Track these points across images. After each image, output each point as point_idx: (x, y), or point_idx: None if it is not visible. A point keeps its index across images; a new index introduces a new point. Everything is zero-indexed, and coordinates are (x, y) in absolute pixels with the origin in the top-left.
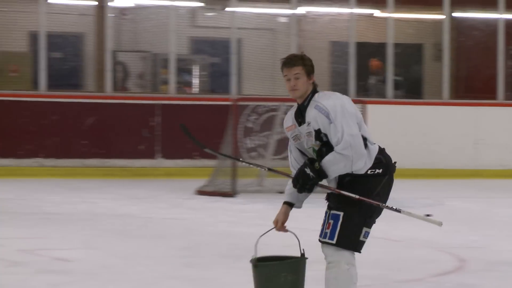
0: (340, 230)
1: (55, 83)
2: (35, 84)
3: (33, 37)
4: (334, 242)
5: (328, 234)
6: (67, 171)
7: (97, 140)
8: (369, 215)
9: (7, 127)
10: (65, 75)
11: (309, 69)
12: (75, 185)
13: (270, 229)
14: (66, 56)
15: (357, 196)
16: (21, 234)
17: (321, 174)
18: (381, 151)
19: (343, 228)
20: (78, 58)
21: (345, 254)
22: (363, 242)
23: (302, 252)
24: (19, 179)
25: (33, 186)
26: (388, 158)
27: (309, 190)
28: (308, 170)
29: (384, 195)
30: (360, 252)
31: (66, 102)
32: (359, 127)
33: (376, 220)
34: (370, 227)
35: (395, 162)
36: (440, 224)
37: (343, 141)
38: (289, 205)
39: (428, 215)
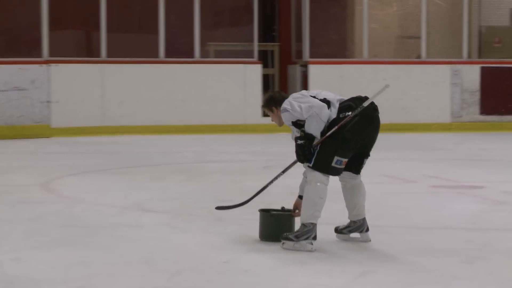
0: (316, 157)
1: None
2: None
3: None
4: (311, 165)
5: (311, 161)
6: None
7: None
8: (340, 146)
9: (492, 89)
10: None
11: (272, 106)
12: None
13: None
14: None
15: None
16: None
17: (308, 136)
18: (354, 99)
19: (318, 155)
20: None
21: (317, 174)
22: (336, 168)
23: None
24: (502, 132)
25: None
26: (358, 103)
27: (310, 153)
28: (299, 141)
29: (357, 130)
30: (332, 175)
31: None
32: (317, 96)
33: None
34: (343, 156)
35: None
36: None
37: (303, 110)
38: (300, 197)
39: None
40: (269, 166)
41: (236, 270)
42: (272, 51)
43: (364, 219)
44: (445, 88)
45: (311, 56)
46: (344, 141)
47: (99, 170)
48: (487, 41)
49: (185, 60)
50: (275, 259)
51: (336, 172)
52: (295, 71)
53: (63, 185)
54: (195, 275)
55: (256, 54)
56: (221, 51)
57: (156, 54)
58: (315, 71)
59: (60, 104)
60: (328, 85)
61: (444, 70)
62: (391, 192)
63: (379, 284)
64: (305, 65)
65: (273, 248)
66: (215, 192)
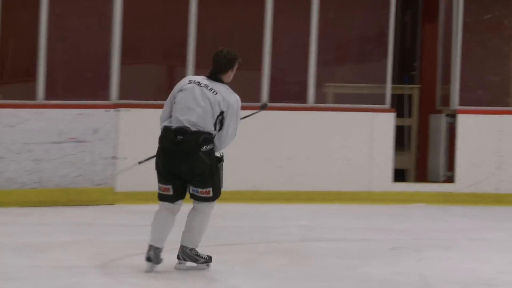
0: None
1: None
2: None
3: None
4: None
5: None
6: None
7: None
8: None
9: None
10: None
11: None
12: None
13: None
14: None
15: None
16: None
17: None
18: (164, 128)
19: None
20: None
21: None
22: (159, 194)
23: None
24: None
25: None
26: (163, 133)
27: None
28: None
29: (159, 159)
30: (159, 200)
31: None
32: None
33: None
34: (160, 182)
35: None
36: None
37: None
38: None
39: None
40: (398, 247)
41: None
42: (410, 96)
43: (180, 246)
44: None
45: (462, 103)
46: (157, 170)
47: (174, 248)
48: None
49: (295, 106)
50: None
51: (160, 197)
52: (440, 122)
53: (125, 268)
54: None
55: (388, 99)
56: (343, 94)
57: (257, 97)
58: (466, 122)
59: (128, 162)
60: (482, 140)
61: None
62: None
63: None
64: (453, 115)
65: None
66: (326, 280)
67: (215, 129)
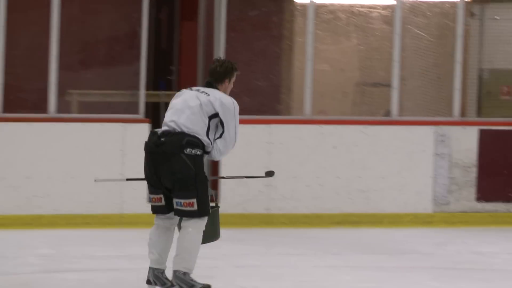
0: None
1: None
2: None
3: None
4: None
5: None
6: None
7: None
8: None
9: (495, 162)
10: None
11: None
12: None
13: None
14: None
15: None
16: None
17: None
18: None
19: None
20: None
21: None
22: (152, 206)
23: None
24: (508, 227)
25: None
26: (148, 137)
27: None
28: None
29: (145, 166)
30: (153, 213)
31: None
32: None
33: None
34: (151, 193)
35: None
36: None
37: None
38: None
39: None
40: None
41: None
42: (167, 104)
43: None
44: (426, 161)
45: None
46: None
47: None
48: (490, 92)
49: (34, 117)
50: None
51: (152, 209)
52: None
53: None
54: None
55: (142, 107)
56: (90, 103)
57: None
58: None
59: None
60: (249, 153)
61: (424, 135)
62: None
63: None
64: None
65: None
66: None
67: (207, 136)
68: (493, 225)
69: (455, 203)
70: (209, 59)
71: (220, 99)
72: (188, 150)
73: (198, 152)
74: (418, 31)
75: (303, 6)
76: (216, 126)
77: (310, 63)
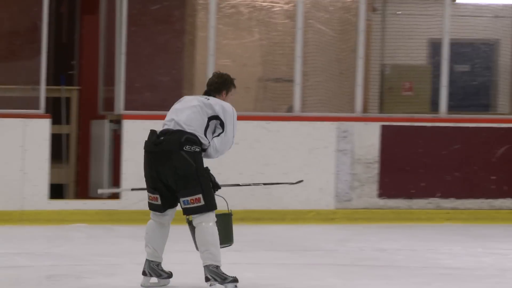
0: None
1: (458, 103)
2: (433, 105)
3: (434, 47)
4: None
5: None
6: (470, 215)
7: (509, 176)
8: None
9: (397, 158)
10: (472, 93)
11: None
12: (479, 232)
13: None
14: (473, 69)
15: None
16: None
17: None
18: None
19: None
20: (489, 71)
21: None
22: (148, 203)
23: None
24: (410, 224)
25: (426, 233)
26: (148, 137)
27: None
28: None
29: (144, 165)
30: (149, 209)
31: (471, 127)
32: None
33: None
34: (148, 191)
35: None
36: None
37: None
38: None
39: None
40: (55, 275)
41: None
42: (68, 99)
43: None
44: (328, 157)
45: (127, 107)
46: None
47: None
48: (392, 88)
49: None
50: None
51: (149, 206)
52: (103, 129)
53: None
54: None
55: (43, 103)
56: None
57: None
58: (133, 129)
59: None
60: None
61: (327, 131)
62: None
63: None
64: (118, 120)
65: None
66: None
67: (205, 134)
68: (395, 221)
69: (357, 200)
70: (110, 53)
71: (221, 104)
72: (187, 147)
73: (197, 149)
74: (320, 26)
75: (205, 0)
76: (215, 127)
77: (212, 58)
